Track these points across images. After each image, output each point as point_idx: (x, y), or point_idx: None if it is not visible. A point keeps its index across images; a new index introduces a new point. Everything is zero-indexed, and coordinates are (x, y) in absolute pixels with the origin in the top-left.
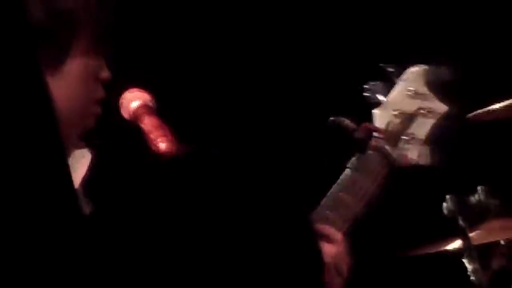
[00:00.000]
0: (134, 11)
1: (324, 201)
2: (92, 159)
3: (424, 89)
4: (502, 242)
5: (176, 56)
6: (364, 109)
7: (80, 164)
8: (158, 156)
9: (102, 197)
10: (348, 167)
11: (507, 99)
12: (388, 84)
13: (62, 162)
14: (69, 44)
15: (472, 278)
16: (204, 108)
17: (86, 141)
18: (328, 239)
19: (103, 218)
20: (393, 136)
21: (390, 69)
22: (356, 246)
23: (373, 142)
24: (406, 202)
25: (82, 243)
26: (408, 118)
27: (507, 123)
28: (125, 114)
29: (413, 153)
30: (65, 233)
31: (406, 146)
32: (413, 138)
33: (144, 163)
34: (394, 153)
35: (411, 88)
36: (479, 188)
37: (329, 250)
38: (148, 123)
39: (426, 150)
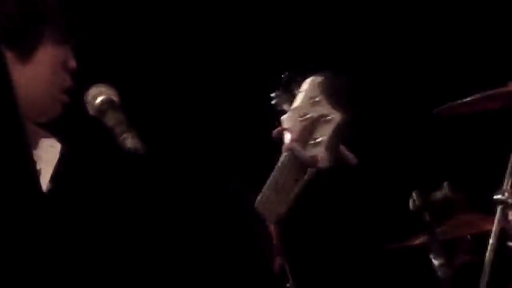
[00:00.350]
0: (103, 6)
1: (258, 197)
2: (61, 150)
3: (321, 97)
4: (468, 237)
5: (140, 51)
6: (274, 115)
7: (49, 153)
8: (122, 150)
9: (68, 185)
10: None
11: (470, 94)
12: (289, 92)
13: (23, 146)
14: (41, 34)
15: (437, 272)
16: (166, 102)
17: (54, 132)
18: None
19: (62, 201)
20: (302, 140)
21: (291, 79)
22: (324, 242)
23: (286, 144)
24: (373, 198)
25: (39, 220)
26: (313, 124)
27: (471, 118)
28: (90, 109)
29: (321, 156)
30: (23, 210)
31: (314, 149)
32: (318, 142)
33: (108, 158)
34: (305, 155)
35: (311, 96)
36: (444, 183)
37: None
38: (112, 118)
39: (327, 154)
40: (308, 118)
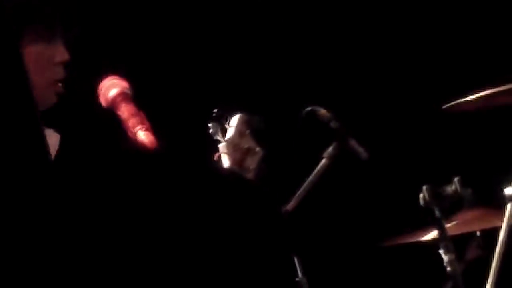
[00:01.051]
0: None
1: None
2: (61, 141)
3: (248, 133)
4: (477, 233)
5: (154, 46)
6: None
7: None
8: (135, 143)
9: (65, 174)
10: None
11: (480, 91)
12: (221, 124)
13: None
14: (20, 35)
15: (447, 268)
16: (182, 96)
17: (54, 124)
18: None
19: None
20: (238, 166)
21: (221, 114)
22: (335, 237)
23: (227, 167)
24: (383, 193)
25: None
26: (244, 154)
27: (480, 114)
28: (103, 101)
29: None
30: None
31: (248, 175)
32: (250, 170)
33: (120, 150)
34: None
35: (240, 131)
36: (454, 178)
37: None
38: (125, 111)
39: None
40: (240, 148)
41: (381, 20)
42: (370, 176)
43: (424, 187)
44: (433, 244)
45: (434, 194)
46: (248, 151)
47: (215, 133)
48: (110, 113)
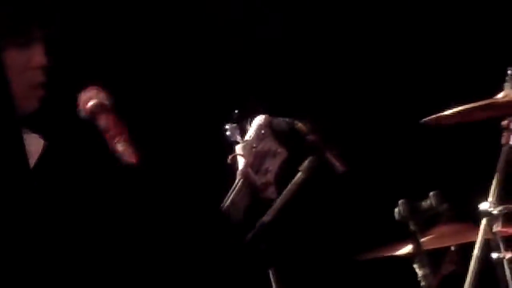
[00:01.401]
0: (93, 12)
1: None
2: (44, 147)
3: (269, 134)
4: (452, 248)
5: (132, 55)
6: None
7: (31, 146)
8: (114, 155)
9: (47, 179)
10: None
11: (458, 105)
12: (241, 126)
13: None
14: None
15: (422, 283)
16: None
17: (38, 129)
18: None
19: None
20: (254, 167)
21: (243, 115)
22: (311, 250)
23: (241, 169)
24: (360, 207)
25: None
26: (263, 155)
27: (457, 129)
28: (83, 112)
29: (270, 184)
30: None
31: (264, 178)
32: (268, 172)
33: (99, 161)
34: (258, 182)
35: (261, 132)
36: (430, 193)
37: None
38: (104, 122)
39: (274, 184)
40: (259, 149)
41: (361, 35)
42: (347, 189)
43: (400, 202)
44: (408, 258)
45: (410, 209)
46: (268, 153)
47: (233, 134)
48: (89, 124)
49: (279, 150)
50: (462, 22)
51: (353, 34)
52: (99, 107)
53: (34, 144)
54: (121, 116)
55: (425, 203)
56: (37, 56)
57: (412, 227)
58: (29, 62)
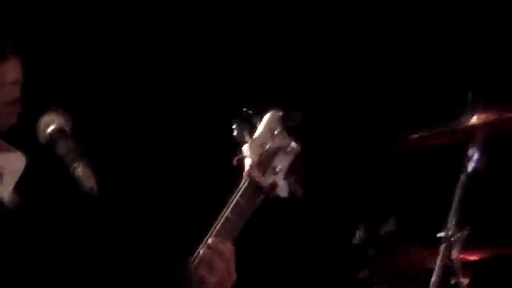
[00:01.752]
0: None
1: (219, 218)
2: (27, 162)
3: (281, 130)
4: (411, 273)
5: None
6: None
7: (13, 163)
8: (73, 180)
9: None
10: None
11: (419, 130)
12: (250, 124)
13: None
14: None
15: None
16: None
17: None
18: (220, 254)
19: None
20: (261, 167)
21: (251, 112)
22: (268, 276)
23: (247, 172)
24: (318, 230)
25: None
26: (272, 154)
27: (418, 154)
28: (41, 138)
29: (279, 184)
30: None
31: (272, 177)
32: (277, 171)
33: (58, 187)
34: (264, 183)
35: (272, 129)
36: (390, 218)
37: (220, 265)
38: (62, 147)
39: (285, 183)
40: (267, 148)
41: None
42: (305, 214)
43: (359, 226)
44: (366, 283)
45: (369, 233)
46: (278, 150)
47: (241, 133)
48: (48, 150)
49: (290, 147)
50: (427, 46)
51: (313, 61)
52: (58, 133)
53: (15, 162)
54: (81, 140)
55: (385, 228)
56: (11, 71)
57: (371, 251)
58: (4, 77)
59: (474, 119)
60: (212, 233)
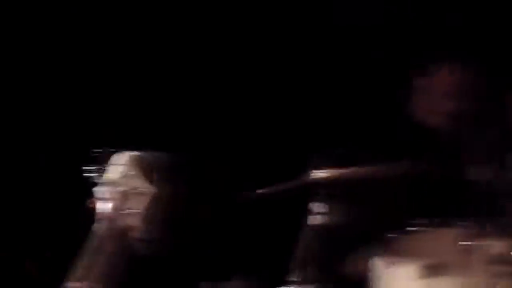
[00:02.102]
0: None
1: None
2: None
3: (136, 172)
4: None
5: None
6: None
7: None
8: None
9: None
10: None
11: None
12: (100, 166)
13: None
14: None
15: None
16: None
17: None
18: None
19: None
20: (116, 210)
21: (103, 154)
22: None
23: (100, 213)
24: None
25: None
26: (125, 196)
27: (263, 208)
28: None
29: (136, 225)
30: None
31: (128, 219)
32: (133, 213)
33: None
34: (120, 223)
35: (125, 170)
36: (234, 275)
37: None
38: None
39: (145, 224)
40: (120, 190)
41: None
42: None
43: (202, 285)
44: None
45: None
46: (132, 192)
47: (95, 175)
48: None
49: (145, 189)
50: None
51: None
52: None
53: None
54: None
55: (228, 286)
56: None
57: None
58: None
59: (318, 175)
60: None
